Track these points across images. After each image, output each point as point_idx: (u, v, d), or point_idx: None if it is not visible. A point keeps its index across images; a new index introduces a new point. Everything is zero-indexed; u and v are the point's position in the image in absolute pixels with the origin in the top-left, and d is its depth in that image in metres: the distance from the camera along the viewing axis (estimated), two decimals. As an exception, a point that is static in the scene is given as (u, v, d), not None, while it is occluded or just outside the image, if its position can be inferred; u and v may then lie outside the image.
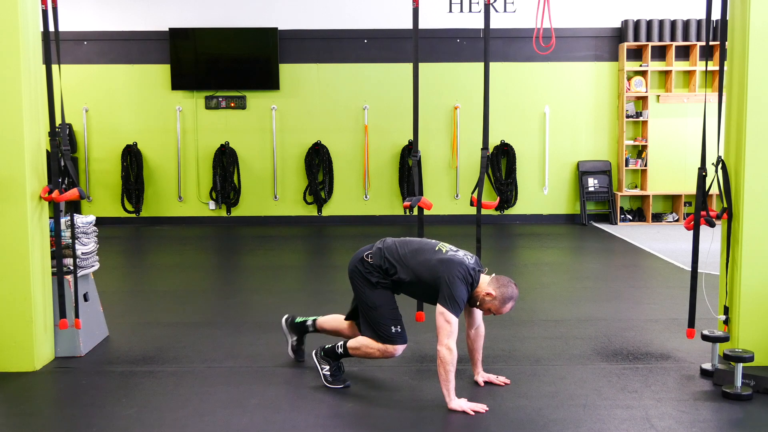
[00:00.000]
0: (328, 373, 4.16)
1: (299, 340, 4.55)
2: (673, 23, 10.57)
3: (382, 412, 3.78)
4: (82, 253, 4.78)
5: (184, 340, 5.06)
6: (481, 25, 9.85)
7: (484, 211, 4.86)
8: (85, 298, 4.83)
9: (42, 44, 4.59)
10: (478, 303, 3.89)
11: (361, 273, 4.07)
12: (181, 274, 7.73)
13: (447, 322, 3.75)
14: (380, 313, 4.02)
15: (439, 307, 3.78)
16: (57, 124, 4.61)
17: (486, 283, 3.88)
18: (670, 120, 10.75)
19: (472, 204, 4.73)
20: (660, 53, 10.75)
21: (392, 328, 4.03)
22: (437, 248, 4.01)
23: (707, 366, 4.31)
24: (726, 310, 4.50)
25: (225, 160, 10.74)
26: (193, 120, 10.80)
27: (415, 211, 4.83)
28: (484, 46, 4.57)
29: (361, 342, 4.10)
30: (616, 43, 10.76)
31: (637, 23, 10.58)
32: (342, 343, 4.19)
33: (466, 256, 3.95)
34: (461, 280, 3.80)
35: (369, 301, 4.05)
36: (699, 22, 10.55)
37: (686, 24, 10.57)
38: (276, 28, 10.58)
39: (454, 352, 3.73)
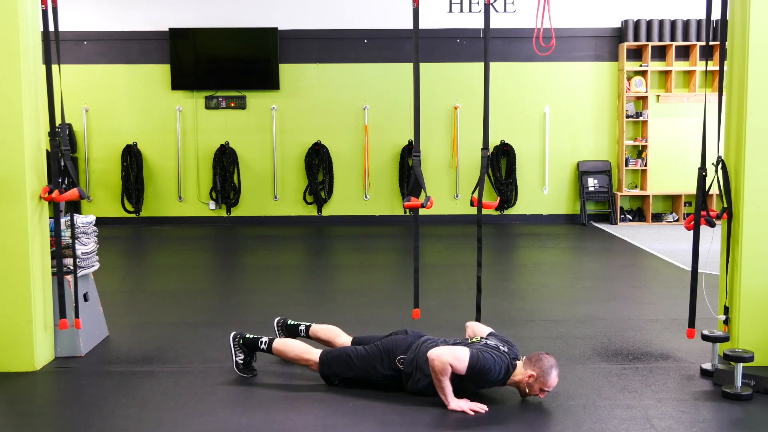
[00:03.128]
0: (241, 362, 4.25)
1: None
2: (673, 23, 10.57)
3: (382, 411, 3.78)
4: (82, 253, 4.78)
5: (184, 340, 5.06)
6: (481, 25, 9.86)
7: (484, 211, 4.85)
8: (85, 298, 4.83)
9: (42, 44, 4.59)
10: (527, 391, 3.83)
11: (379, 360, 4.01)
12: (181, 274, 7.73)
13: (456, 350, 3.74)
14: (354, 370, 4.02)
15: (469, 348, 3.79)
16: (57, 124, 4.61)
17: (522, 369, 3.84)
18: (670, 120, 10.75)
19: (472, 204, 4.72)
20: (660, 53, 10.75)
21: (334, 379, 4.08)
22: (471, 341, 4.00)
23: (707, 366, 4.31)
24: (726, 310, 4.49)
25: (225, 160, 10.74)
26: (193, 120, 10.80)
27: (420, 211, 4.81)
28: (484, 46, 4.57)
29: (295, 348, 4.16)
30: (616, 43, 10.76)
31: (637, 23, 10.58)
32: (267, 340, 4.23)
33: (503, 343, 3.93)
34: (494, 359, 3.76)
35: (358, 359, 4.03)
36: (699, 22, 10.55)
37: (686, 24, 10.57)
38: (276, 28, 10.58)
39: (447, 365, 3.71)
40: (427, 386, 3.87)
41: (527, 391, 3.84)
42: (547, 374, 3.76)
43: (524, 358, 3.90)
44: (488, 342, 3.93)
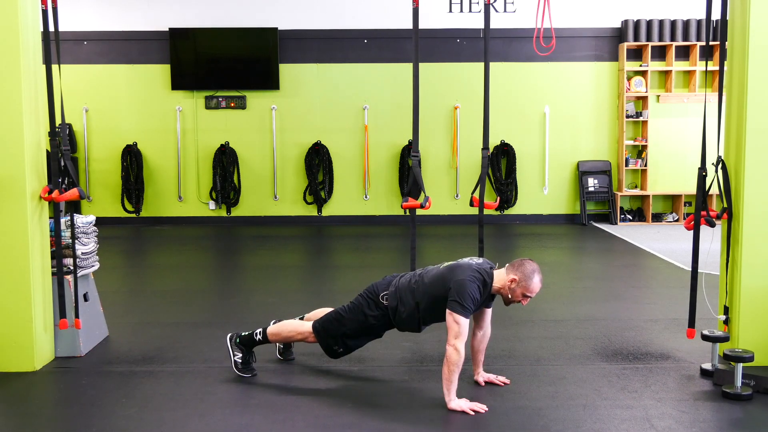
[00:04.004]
0: (240, 360, 4.25)
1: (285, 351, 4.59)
2: (673, 23, 10.57)
3: (382, 412, 3.78)
4: (82, 253, 4.78)
5: (184, 340, 5.06)
6: (481, 25, 9.85)
7: (484, 211, 4.85)
8: (85, 298, 4.82)
9: (42, 44, 4.59)
10: (509, 296, 3.86)
11: (366, 304, 4.09)
12: (181, 274, 7.73)
13: (456, 322, 3.75)
14: (346, 324, 4.08)
15: (449, 309, 3.79)
16: (57, 124, 4.61)
17: (503, 274, 3.86)
18: (670, 120, 10.75)
19: (472, 204, 4.73)
20: (660, 53, 10.75)
21: (334, 344, 4.12)
22: (442, 265, 4.04)
23: (707, 366, 4.31)
24: (726, 310, 4.49)
25: (225, 160, 10.74)
26: (193, 120, 10.80)
27: (420, 211, 4.82)
28: (484, 46, 4.57)
29: (287, 326, 4.23)
30: (616, 43, 10.76)
31: (637, 23, 10.58)
32: (261, 330, 4.26)
33: (472, 259, 3.97)
34: (470, 280, 3.80)
35: (347, 312, 4.10)
36: (699, 22, 10.55)
37: (686, 24, 10.57)
38: (276, 28, 10.58)
39: (461, 353, 3.74)
40: (410, 316, 3.98)
41: (510, 296, 3.86)
42: (529, 278, 3.78)
43: (506, 264, 3.91)
44: (460, 262, 3.96)
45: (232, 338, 4.32)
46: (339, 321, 4.12)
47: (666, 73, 10.74)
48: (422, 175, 4.69)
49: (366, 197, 10.93)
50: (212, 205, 10.89)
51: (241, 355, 4.27)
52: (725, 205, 4.42)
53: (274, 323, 4.66)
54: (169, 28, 10.57)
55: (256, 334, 4.28)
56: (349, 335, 4.11)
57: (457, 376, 3.77)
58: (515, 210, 10.94)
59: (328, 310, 4.43)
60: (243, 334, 4.32)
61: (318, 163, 10.81)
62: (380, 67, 10.75)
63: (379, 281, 4.19)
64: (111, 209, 10.81)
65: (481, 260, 3.97)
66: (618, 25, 10.73)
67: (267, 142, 10.85)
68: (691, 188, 9.72)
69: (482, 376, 4.16)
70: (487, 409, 3.76)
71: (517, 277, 3.80)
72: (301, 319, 4.55)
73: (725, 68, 4.52)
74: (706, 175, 4.38)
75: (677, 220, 10.72)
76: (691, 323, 4.45)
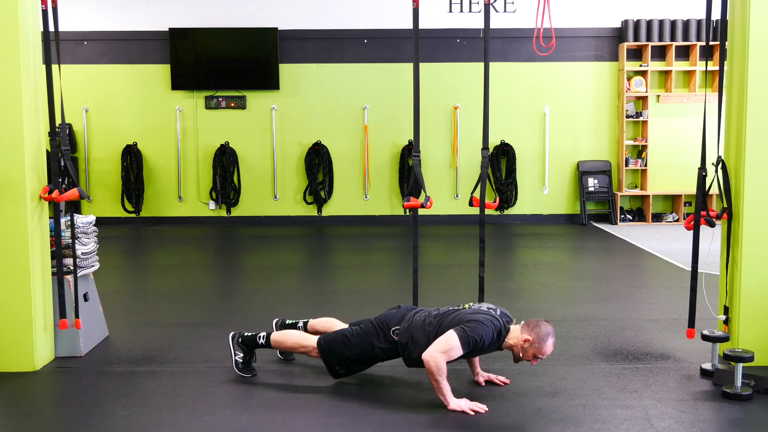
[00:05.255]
0: (241, 360, 4.24)
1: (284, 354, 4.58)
2: (673, 23, 10.57)
3: (382, 411, 3.78)
4: (82, 253, 4.78)
5: (184, 340, 5.06)
6: (481, 25, 9.86)
7: (485, 211, 4.85)
8: (85, 298, 4.83)
9: (42, 44, 4.59)
10: (520, 355, 3.83)
11: (374, 333, 4.04)
12: (181, 274, 7.73)
13: (448, 341, 3.72)
14: (352, 349, 4.04)
15: (453, 329, 3.76)
16: (57, 124, 4.61)
17: (518, 332, 3.84)
18: (670, 120, 10.75)
19: (472, 204, 4.72)
20: (660, 53, 10.75)
21: (336, 364, 4.08)
22: (461, 308, 4.02)
23: (707, 366, 4.31)
24: (726, 310, 4.49)
25: (225, 160, 10.75)
26: (193, 120, 10.80)
27: (420, 211, 4.81)
28: (484, 46, 4.57)
29: (292, 337, 4.18)
30: (616, 43, 10.76)
31: (637, 23, 10.58)
32: (264, 334, 4.25)
33: (496, 309, 3.94)
34: (487, 325, 3.76)
35: (355, 338, 4.06)
36: (699, 22, 10.55)
37: (686, 24, 10.57)
38: (276, 28, 10.58)
39: (442, 366, 3.71)
40: (421, 353, 3.90)
41: (521, 355, 3.84)
42: (543, 341, 3.76)
43: (522, 322, 3.90)
44: (480, 306, 3.95)
45: (234, 337, 4.32)
46: (345, 344, 4.06)
47: (666, 73, 10.74)
48: (422, 175, 4.68)
49: (366, 197, 10.93)
50: (212, 205, 10.89)
51: (242, 355, 4.27)
52: (725, 205, 4.42)
53: (276, 322, 4.67)
54: (169, 28, 10.57)
55: (260, 337, 4.26)
56: (353, 360, 4.06)
57: (445, 380, 3.75)
58: (515, 210, 10.94)
59: (334, 321, 4.43)
60: (246, 334, 4.31)
61: (318, 163, 10.81)
62: (380, 67, 10.75)
63: (392, 311, 4.12)
64: (111, 209, 10.81)
65: (499, 312, 3.92)
66: (618, 25, 10.74)
67: (267, 142, 10.85)
68: (691, 188, 9.75)
69: (482, 376, 4.16)
70: (487, 409, 3.76)
71: (531, 338, 3.78)
72: (305, 323, 4.54)
73: (725, 68, 4.52)
74: (706, 175, 4.38)
75: (677, 220, 10.72)
76: (691, 323, 4.45)
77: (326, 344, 4.09)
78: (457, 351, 3.72)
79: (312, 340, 4.15)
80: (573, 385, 4.14)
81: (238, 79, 10.73)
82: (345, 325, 4.37)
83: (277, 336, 4.24)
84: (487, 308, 3.93)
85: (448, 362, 3.74)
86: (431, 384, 3.79)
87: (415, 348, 3.93)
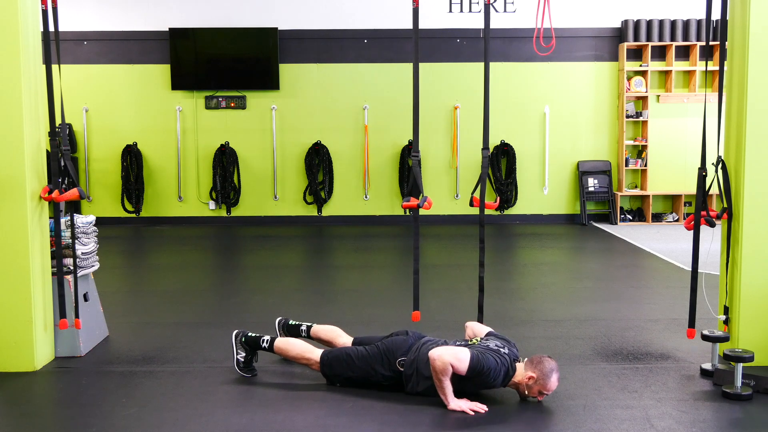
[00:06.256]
0: (242, 360, 4.24)
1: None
2: (673, 23, 10.57)
3: (382, 411, 3.78)
4: (82, 253, 4.78)
5: (184, 340, 5.06)
6: (481, 25, 9.86)
7: (484, 211, 4.85)
8: (85, 298, 4.83)
9: (42, 44, 4.59)
10: (526, 393, 3.83)
11: (379, 361, 4.01)
12: (181, 274, 7.73)
13: (457, 351, 3.73)
14: (354, 371, 4.03)
15: (469, 348, 3.78)
16: (57, 124, 4.61)
17: (522, 370, 3.84)
18: (670, 120, 10.75)
19: (472, 204, 4.72)
20: (660, 53, 10.75)
21: (336, 380, 4.07)
22: (471, 342, 4.01)
23: (707, 366, 4.31)
24: (726, 310, 4.49)
25: (225, 160, 10.75)
26: (193, 120, 10.80)
27: (420, 211, 4.81)
28: (484, 46, 4.57)
29: (296, 347, 4.17)
30: (616, 43, 10.76)
31: (637, 23, 10.58)
32: (269, 338, 4.24)
33: (499, 346, 3.92)
34: (498, 365, 3.77)
35: (359, 360, 4.04)
36: (699, 22, 10.55)
37: (686, 24, 10.57)
38: (276, 28, 10.58)
39: (447, 367, 3.71)
40: (428, 389, 3.88)
41: (526, 392, 3.84)
42: (547, 377, 3.76)
43: (525, 359, 3.89)
44: (489, 344, 3.93)
45: (238, 336, 4.31)
46: (348, 364, 4.05)
47: (666, 73, 10.74)
48: (422, 175, 4.68)
49: (366, 197, 10.93)
50: (212, 205, 10.89)
51: (244, 354, 4.26)
52: (725, 205, 4.42)
53: (279, 321, 4.66)
54: (169, 28, 10.57)
55: (264, 340, 4.25)
56: (354, 380, 4.05)
57: (449, 380, 3.75)
58: (515, 210, 10.94)
59: (338, 331, 4.42)
60: (250, 335, 4.30)
61: (318, 163, 10.81)
62: (380, 67, 10.75)
63: (400, 339, 4.06)
64: (111, 209, 10.81)
65: (507, 350, 3.90)
66: (618, 25, 10.73)
67: (267, 142, 10.85)
68: (691, 188, 9.74)
69: None
70: (486, 409, 3.76)
71: (535, 375, 3.77)
72: (309, 327, 4.54)
73: (725, 68, 4.52)
74: (706, 175, 4.38)
75: (677, 220, 10.72)
76: (691, 323, 4.45)
77: (329, 361, 4.08)
78: (463, 365, 3.70)
79: (316, 354, 4.13)
80: (573, 385, 4.14)
81: (238, 79, 10.73)
82: (349, 338, 4.38)
83: (281, 344, 4.23)
84: (495, 346, 3.90)
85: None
86: (434, 382, 3.79)
87: (419, 381, 3.90)
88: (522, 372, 3.83)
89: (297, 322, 4.63)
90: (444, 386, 3.76)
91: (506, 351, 3.89)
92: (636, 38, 10.59)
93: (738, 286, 4.41)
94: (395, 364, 3.97)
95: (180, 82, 10.66)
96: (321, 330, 4.48)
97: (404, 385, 3.97)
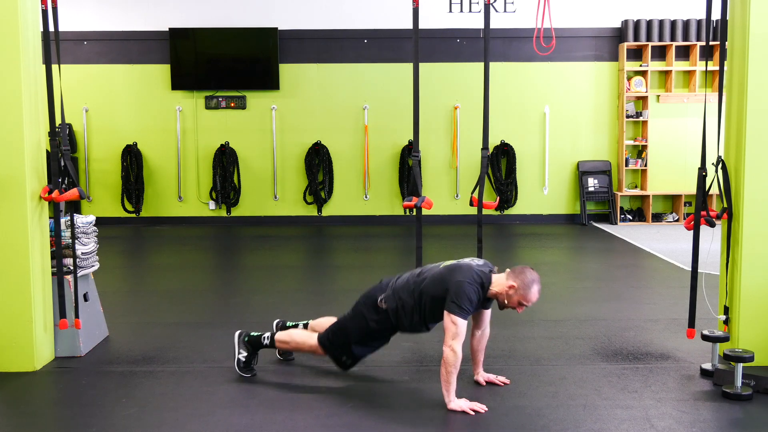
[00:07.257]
0: (243, 359, 4.26)
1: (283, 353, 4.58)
2: (673, 23, 10.57)
3: (382, 411, 3.78)
4: (82, 253, 4.78)
5: (184, 340, 5.06)
6: (481, 25, 9.85)
7: (484, 211, 4.85)
8: (85, 298, 4.83)
9: (42, 44, 4.59)
10: (505, 302, 3.84)
11: (365, 310, 4.07)
12: (181, 274, 7.73)
13: (453, 323, 3.74)
14: (350, 333, 4.06)
15: (446, 310, 3.78)
16: (57, 124, 4.61)
17: (503, 279, 3.85)
18: (670, 120, 10.75)
19: (472, 204, 4.73)
20: (660, 53, 10.75)
21: (342, 356, 4.09)
22: (441, 265, 4.02)
23: (707, 366, 4.31)
24: (726, 310, 4.49)
25: (225, 160, 10.75)
26: (193, 120, 10.80)
27: (416, 211, 4.82)
28: (484, 46, 4.57)
29: (296, 337, 4.21)
30: (616, 43, 10.76)
31: (637, 23, 10.58)
32: (269, 335, 4.27)
33: (473, 260, 3.95)
34: (469, 282, 3.79)
35: (349, 321, 4.09)
36: (699, 22, 10.55)
37: (686, 24, 10.57)
38: (276, 28, 10.58)
39: (459, 354, 3.73)
40: (412, 317, 3.94)
41: (506, 302, 3.84)
42: (528, 287, 3.77)
43: (507, 270, 3.89)
44: (461, 261, 3.94)
45: (240, 335, 4.33)
46: (343, 330, 4.09)
47: (666, 73, 10.74)
48: (422, 175, 4.69)
49: (366, 197, 10.93)
50: (212, 205, 10.89)
51: (246, 354, 4.28)
52: (725, 205, 4.42)
53: (276, 323, 4.67)
54: (169, 28, 10.57)
55: (264, 338, 4.28)
56: (355, 343, 4.07)
57: (456, 376, 3.77)
58: (515, 210, 10.94)
59: (333, 319, 4.43)
60: (252, 334, 4.32)
61: (318, 163, 10.81)
62: (380, 67, 10.75)
63: (376, 286, 4.16)
64: (111, 209, 10.81)
65: (481, 262, 3.95)
66: (618, 25, 10.74)
67: (267, 142, 10.85)
68: (691, 188, 9.73)
69: (482, 376, 4.16)
70: (487, 409, 3.76)
71: (516, 284, 3.79)
72: (306, 324, 4.55)
73: (725, 68, 4.52)
74: (706, 175, 4.38)
75: (677, 220, 10.72)
76: (691, 323, 4.45)
77: (326, 338, 4.12)
78: (464, 327, 3.76)
79: (315, 339, 4.17)
80: (573, 385, 4.14)
81: (238, 79, 10.73)
82: None
83: (281, 335, 4.27)
84: (468, 262, 3.92)
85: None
86: (440, 374, 3.78)
87: (405, 310, 3.95)
88: (502, 281, 3.83)
89: (294, 323, 4.64)
90: (450, 381, 3.76)
91: (480, 262, 3.91)
92: (636, 38, 10.59)
93: (738, 286, 4.41)
94: (379, 305, 4.02)
95: (180, 82, 10.66)
96: (317, 323, 4.49)
97: (395, 323, 4.01)
